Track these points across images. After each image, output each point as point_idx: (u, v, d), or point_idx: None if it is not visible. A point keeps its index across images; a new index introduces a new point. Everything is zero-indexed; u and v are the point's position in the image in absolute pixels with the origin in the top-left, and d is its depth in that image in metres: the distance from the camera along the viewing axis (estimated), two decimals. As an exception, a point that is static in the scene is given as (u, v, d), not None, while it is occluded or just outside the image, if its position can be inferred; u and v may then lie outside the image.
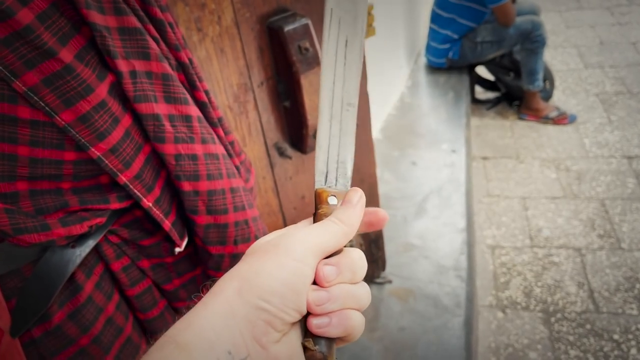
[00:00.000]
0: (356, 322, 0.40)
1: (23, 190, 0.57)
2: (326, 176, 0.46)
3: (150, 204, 0.66)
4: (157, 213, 0.67)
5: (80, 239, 0.63)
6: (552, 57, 4.13)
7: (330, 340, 0.40)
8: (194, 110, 0.70)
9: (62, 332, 0.63)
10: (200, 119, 0.71)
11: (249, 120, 1.20)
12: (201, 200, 0.70)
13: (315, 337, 0.39)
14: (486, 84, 3.74)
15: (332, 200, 0.45)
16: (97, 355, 0.65)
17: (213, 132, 0.74)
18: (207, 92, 0.76)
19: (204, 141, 0.70)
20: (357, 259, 0.41)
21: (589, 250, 2.35)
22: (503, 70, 3.48)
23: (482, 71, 3.68)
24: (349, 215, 0.42)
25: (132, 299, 0.71)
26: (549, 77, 3.46)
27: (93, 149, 0.58)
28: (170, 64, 0.68)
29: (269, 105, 1.24)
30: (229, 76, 1.12)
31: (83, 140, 0.57)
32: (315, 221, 0.43)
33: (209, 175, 0.71)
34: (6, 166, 0.55)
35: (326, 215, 0.43)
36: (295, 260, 0.38)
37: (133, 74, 0.61)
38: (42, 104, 0.53)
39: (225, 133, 0.81)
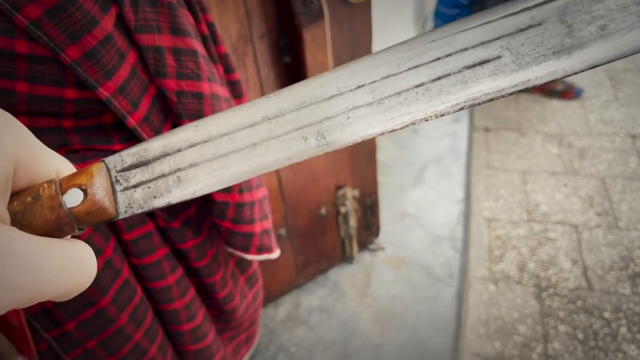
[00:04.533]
0: None
1: None
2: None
3: None
4: None
5: None
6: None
7: None
8: (199, 46, 0.66)
9: None
10: (206, 57, 0.67)
11: (247, 75, 1.15)
12: None
13: None
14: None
15: (72, 197, 0.27)
16: (95, 295, 0.63)
17: (216, 72, 0.70)
18: (211, 25, 0.72)
19: (210, 80, 0.67)
20: None
21: (586, 228, 2.33)
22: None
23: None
24: None
25: (127, 243, 0.69)
26: (557, 50, 3.38)
27: (101, 89, 0.55)
28: None
29: (269, 60, 1.19)
30: (228, 25, 1.06)
31: (91, 80, 0.53)
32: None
33: None
34: (4, 103, 0.51)
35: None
36: None
37: (135, 1, 0.56)
38: (46, 39, 0.49)
39: (229, 71, 0.77)
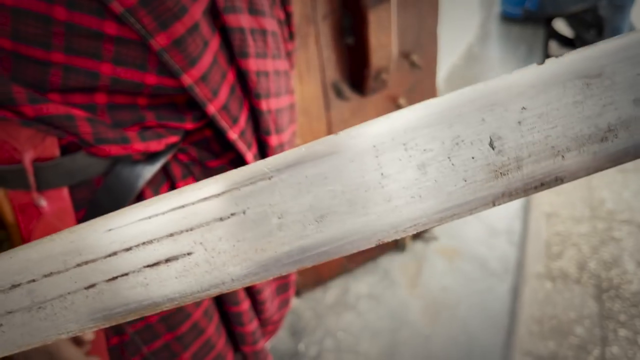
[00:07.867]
0: None
1: (101, 104, 0.56)
2: None
3: (237, 136, 0.64)
4: (242, 145, 0.66)
5: (152, 155, 0.62)
6: (639, 17, 3.78)
7: None
8: (269, 24, 0.66)
9: None
10: (275, 34, 0.68)
11: (307, 55, 1.13)
12: (272, 119, 0.69)
13: None
14: (563, 40, 3.48)
15: None
16: None
17: (282, 47, 0.71)
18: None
19: (274, 57, 0.68)
20: None
21: (654, 229, 2.20)
22: (584, 27, 3.22)
23: (559, 26, 3.42)
24: None
25: None
26: (634, 38, 3.18)
27: (185, 76, 0.56)
28: None
29: (330, 41, 1.16)
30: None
31: (176, 67, 0.54)
32: None
33: (277, 93, 0.69)
34: (87, 83, 0.53)
35: None
36: None
37: None
38: (139, 26, 0.51)
39: (291, 37, 0.78)
